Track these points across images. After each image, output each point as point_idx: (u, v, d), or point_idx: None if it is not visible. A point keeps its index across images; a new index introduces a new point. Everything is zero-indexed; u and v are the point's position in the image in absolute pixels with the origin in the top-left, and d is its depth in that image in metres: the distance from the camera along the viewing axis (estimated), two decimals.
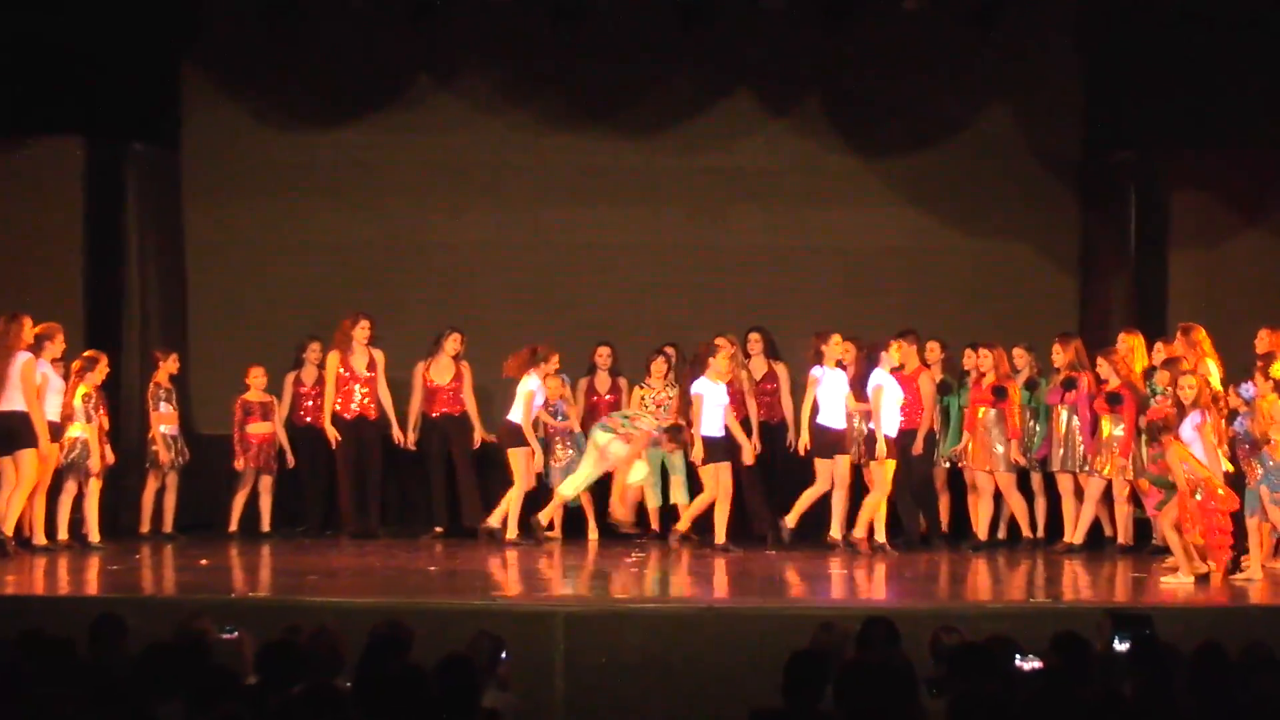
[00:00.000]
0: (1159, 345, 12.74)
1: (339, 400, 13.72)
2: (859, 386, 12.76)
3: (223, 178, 14.61)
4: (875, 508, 12.56)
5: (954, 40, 14.52)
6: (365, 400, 13.75)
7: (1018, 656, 6.46)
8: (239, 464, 13.68)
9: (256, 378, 13.77)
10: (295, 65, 14.54)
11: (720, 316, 14.37)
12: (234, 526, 13.70)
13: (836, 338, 12.80)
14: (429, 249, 14.73)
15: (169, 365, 13.53)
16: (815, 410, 12.74)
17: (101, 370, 12.65)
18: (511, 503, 13.24)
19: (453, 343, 13.81)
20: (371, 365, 13.79)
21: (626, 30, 14.54)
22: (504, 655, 6.72)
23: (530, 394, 13.21)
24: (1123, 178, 14.28)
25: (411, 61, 14.69)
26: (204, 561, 12.03)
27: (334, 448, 13.70)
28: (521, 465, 13.22)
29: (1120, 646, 6.74)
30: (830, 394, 12.67)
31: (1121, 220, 14.29)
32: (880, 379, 12.53)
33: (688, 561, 12.35)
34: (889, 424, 12.54)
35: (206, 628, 6.94)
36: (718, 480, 12.76)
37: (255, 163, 14.62)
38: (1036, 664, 6.44)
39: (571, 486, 13.05)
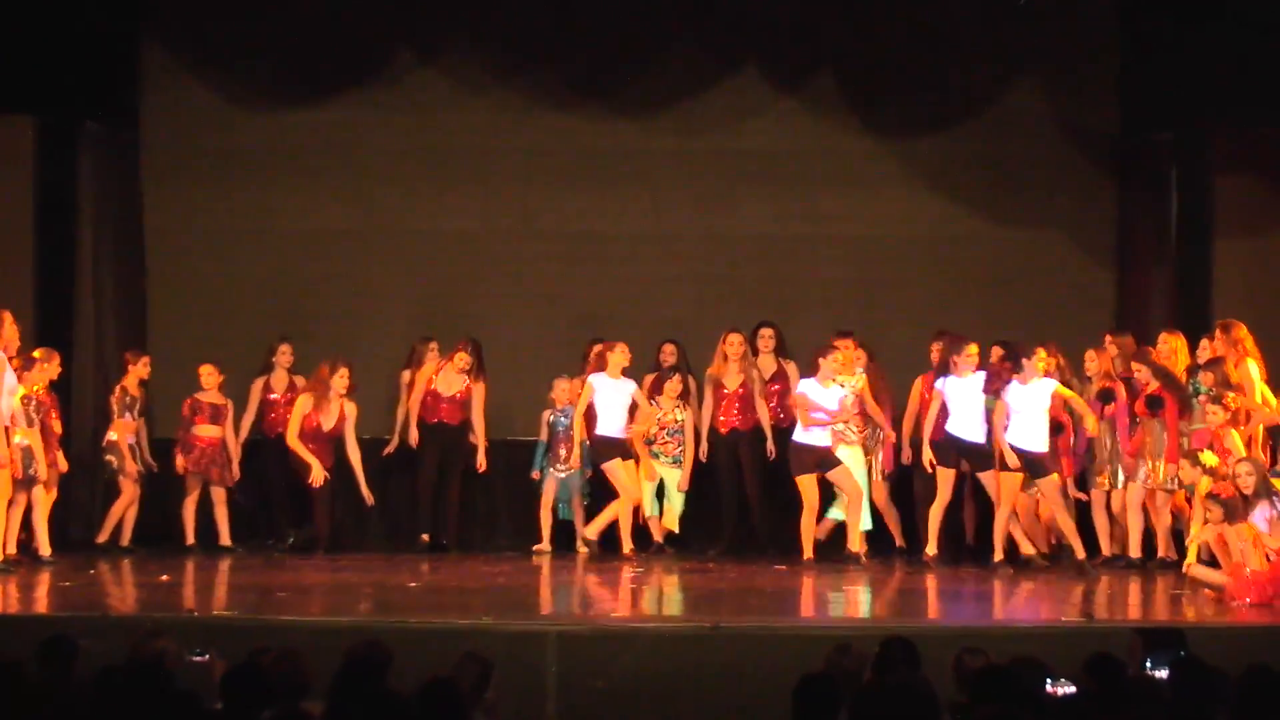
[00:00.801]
0: (1204, 343, 12.72)
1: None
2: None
3: (185, 160, 14.59)
4: (1005, 523, 12.59)
5: (979, 9, 14.53)
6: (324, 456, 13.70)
7: (1048, 680, 6.45)
8: (179, 465, 13.61)
9: (208, 376, 13.72)
10: (264, 38, 14.52)
11: (725, 310, 14.39)
12: (190, 539, 13.65)
13: (972, 349, 12.65)
14: (410, 237, 14.73)
15: (139, 369, 13.49)
16: (942, 418, 12.72)
17: (43, 370, 12.54)
18: (620, 516, 13.29)
19: (461, 359, 13.71)
20: (340, 422, 13.66)
21: (624, 0, 14.54)
22: (492, 679, 6.71)
23: (589, 390, 13.28)
24: (1163, 159, 14.28)
25: (391, 35, 14.68)
26: (164, 577, 12.02)
27: (313, 484, 13.62)
28: (622, 477, 13.23)
29: (1159, 670, 6.73)
30: (964, 402, 12.62)
31: (1162, 206, 14.29)
32: (1011, 393, 12.49)
33: (689, 578, 12.34)
34: (1021, 437, 12.45)
35: (167, 649, 6.92)
36: (805, 490, 12.86)
37: (220, 144, 14.61)
38: (1069, 689, 6.43)
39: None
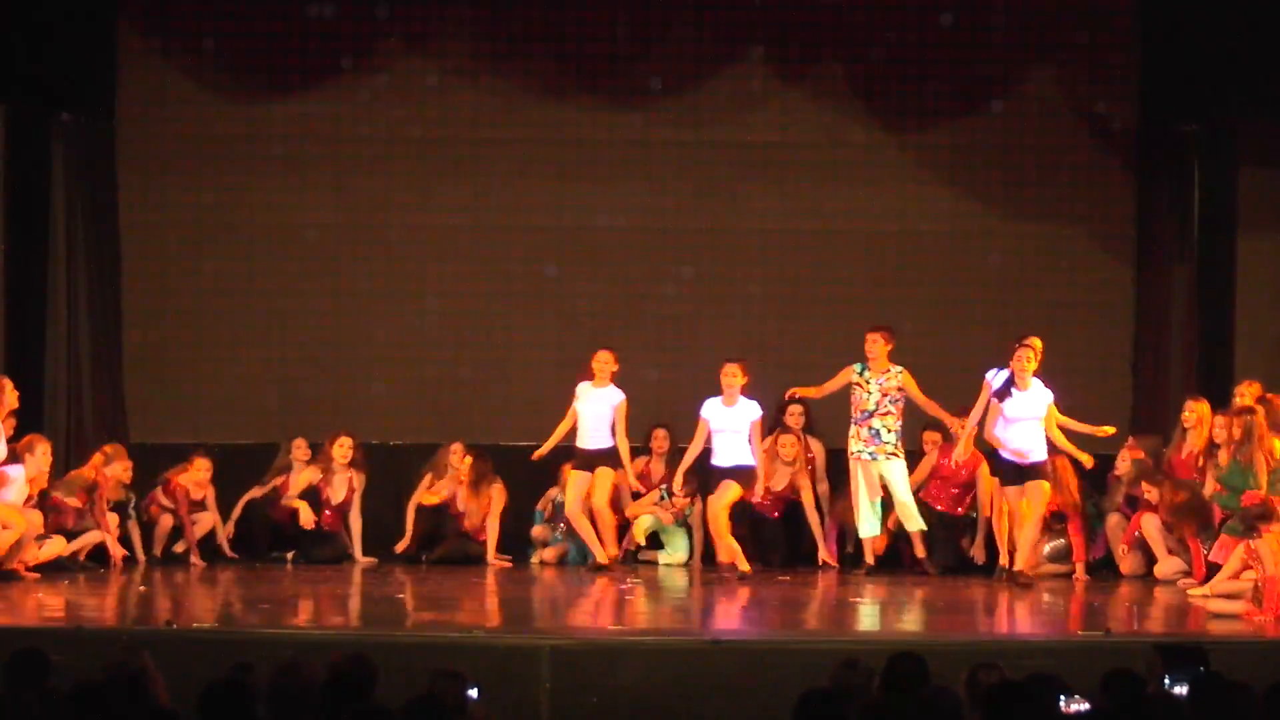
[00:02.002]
0: (1219, 421, 12.60)
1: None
2: None
3: (163, 152, 14.59)
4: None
5: None
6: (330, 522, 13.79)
7: (1063, 697, 6.47)
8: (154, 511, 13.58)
9: (201, 470, 13.57)
10: (245, 25, 14.52)
11: (729, 308, 14.40)
12: (158, 551, 13.60)
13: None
14: (395, 232, 14.73)
15: (120, 473, 13.31)
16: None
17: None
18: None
19: (456, 455, 13.76)
20: (349, 494, 13.77)
21: None
22: (473, 695, 6.71)
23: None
24: (1186, 151, 14.27)
25: (378, 21, 14.67)
26: (142, 588, 12.04)
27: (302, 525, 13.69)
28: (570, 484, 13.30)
29: (1178, 687, 6.75)
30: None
31: (1184, 200, 14.30)
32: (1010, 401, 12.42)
33: (690, 590, 12.35)
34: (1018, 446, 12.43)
35: (146, 664, 6.93)
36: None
37: (199, 135, 14.61)
38: (1084, 705, 6.45)
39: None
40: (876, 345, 12.84)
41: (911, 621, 11.33)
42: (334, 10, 14.57)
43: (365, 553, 13.72)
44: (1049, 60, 14.77)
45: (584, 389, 13.19)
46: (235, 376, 14.36)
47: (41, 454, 12.47)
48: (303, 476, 13.75)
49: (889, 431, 12.80)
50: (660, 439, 13.84)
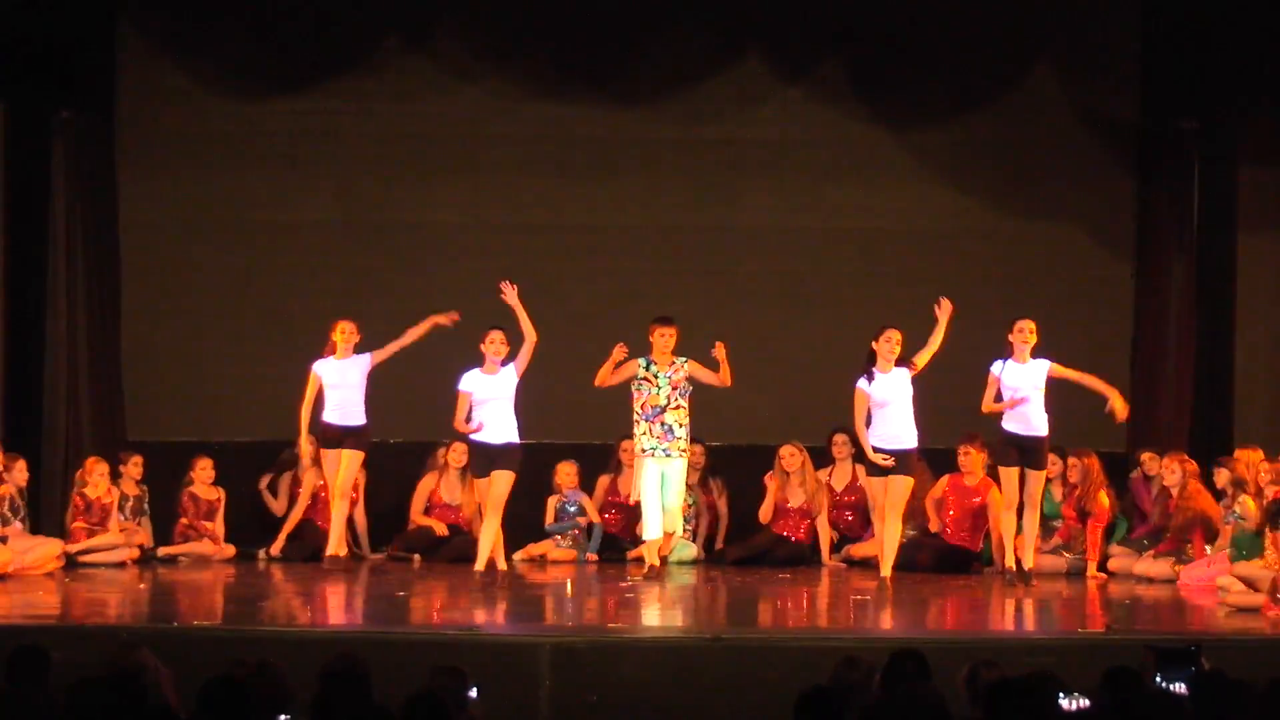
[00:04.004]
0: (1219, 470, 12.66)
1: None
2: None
3: (163, 150, 14.60)
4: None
5: None
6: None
7: (1062, 695, 6.47)
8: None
9: (205, 471, 13.67)
10: (246, 23, 14.52)
11: (728, 307, 14.40)
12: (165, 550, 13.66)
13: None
14: (395, 230, 14.73)
15: (131, 470, 13.51)
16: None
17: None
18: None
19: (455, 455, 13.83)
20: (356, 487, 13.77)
21: None
22: (472, 694, 6.71)
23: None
24: (1186, 148, 14.29)
25: (378, 19, 14.68)
26: (142, 585, 12.05)
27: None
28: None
29: (1175, 685, 6.75)
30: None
31: (1184, 197, 14.31)
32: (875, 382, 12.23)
33: (690, 588, 12.36)
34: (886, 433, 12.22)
35: (145, 660, 6.92)
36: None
37: (200, 133, 14.62)
38: (1084, 703, 6.45)
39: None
40: (667, 339, 12.56)
41: (912, 619, 11.32)
42: (334, 9, 14.56)
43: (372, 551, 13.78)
44: (1050, 57, 14.77)
45: (325, 365, 12.89)
46: (234, 373, 14.36)
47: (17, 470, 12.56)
48: (307, 480, 13.76)
49: (680, 426, 12.53)
50: (630, 451, 13.88)
